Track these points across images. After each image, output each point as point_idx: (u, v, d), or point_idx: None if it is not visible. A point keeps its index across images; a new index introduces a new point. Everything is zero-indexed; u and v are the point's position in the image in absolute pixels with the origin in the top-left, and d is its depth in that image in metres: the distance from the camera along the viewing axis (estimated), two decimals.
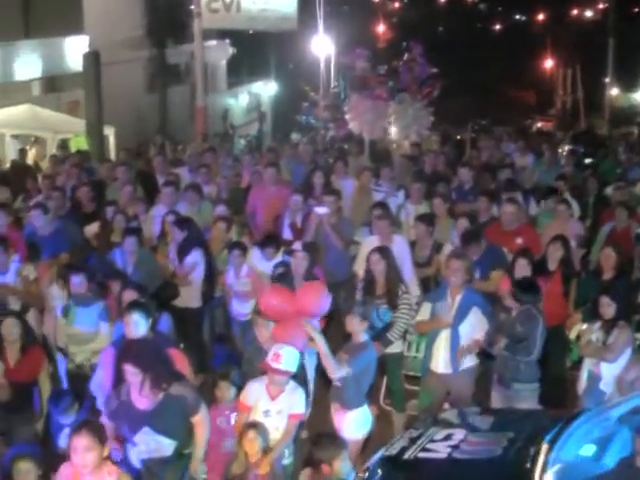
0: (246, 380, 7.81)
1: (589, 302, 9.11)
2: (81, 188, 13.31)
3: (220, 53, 38.67)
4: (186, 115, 32.33)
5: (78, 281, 9.19)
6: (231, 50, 40.37)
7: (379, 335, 8.54)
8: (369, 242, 10.61)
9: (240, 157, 17.55)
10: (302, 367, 7.88)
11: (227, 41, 39.34)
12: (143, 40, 31.20)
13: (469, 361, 8.67)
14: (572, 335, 9.44)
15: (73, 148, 21.06)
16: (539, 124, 43.79)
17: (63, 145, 21.41)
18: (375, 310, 7.96)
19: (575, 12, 65.15)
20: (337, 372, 7.56)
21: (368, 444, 7.91)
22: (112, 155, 21.83)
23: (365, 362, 7.74)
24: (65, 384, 9.29)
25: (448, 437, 6.91)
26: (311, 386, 8.92)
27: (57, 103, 26.13)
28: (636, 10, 56.21)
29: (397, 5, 64.92)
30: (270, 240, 10.84)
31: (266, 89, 44.38)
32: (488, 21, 67.08)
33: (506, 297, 8.78)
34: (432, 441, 6.90)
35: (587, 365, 8.53)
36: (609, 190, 14.27)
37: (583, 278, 10.24)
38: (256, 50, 40.86)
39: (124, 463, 6.84)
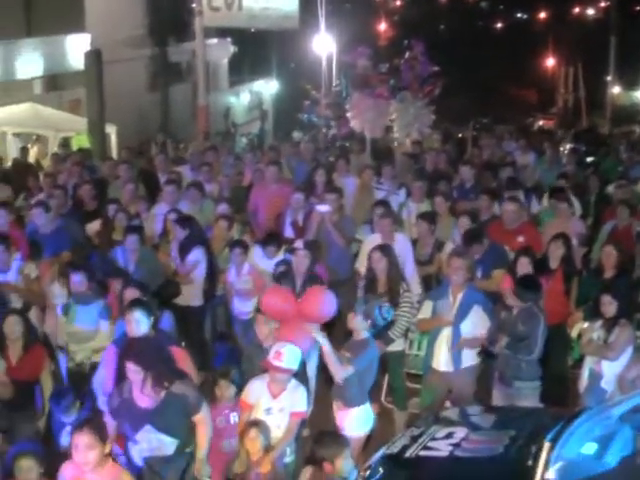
0: (246, 379, 7.82)
1: (590, 300, 9.11)
2: (83, 186, 13.32)
3: (222, 51, 38.67)
4: (188, 113, 32.31)
5: (78, 280, 9.19)
6: (233, 48, 40.36)
7: (381, 333, 8.53)
8: (371, 240, 10.62)
9: (242, 155, 17.53)
10: (303, 365, 7.88)
11: (229, 39, 39.34)
12: (145, 38, 31.21)
13: (470, 359, 8.68)
14: (573, 333, 9.45)
15: (75, 146, 21.07)
16: (540, 122, 43.80)
17: (65, 143, 21.44)
18: (378, 307, 7.94)
19: (577, 10, 65.08)
20: (341, 373, 7.58)
21: (369, 442, 7.92)
22: (114, 153, 21.83)
23: (367, 360, 7.74)
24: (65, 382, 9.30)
25: (449, 435, 6.91)
26: (312, 384, 8.94)
27: (59, 101, 26.15)
28: (638, 8, 56.10)
29: (398, 3, 64.86)
30: (272, 238, 10.85)
31: (268, 87, 44.36)
32: (490, 19, 67.03)
33: (508, 295, 8.78)
34: (433, 439, 6.89)
35: (588, 363, 8.52)
36: (610, 188, 14.27)
37: (584, 276, 10.25)
38: (258, 48, 40.86)
39: (126, 461, 6.85)
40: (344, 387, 7.68)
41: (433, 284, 10.62)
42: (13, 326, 8.33)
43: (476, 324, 8.56)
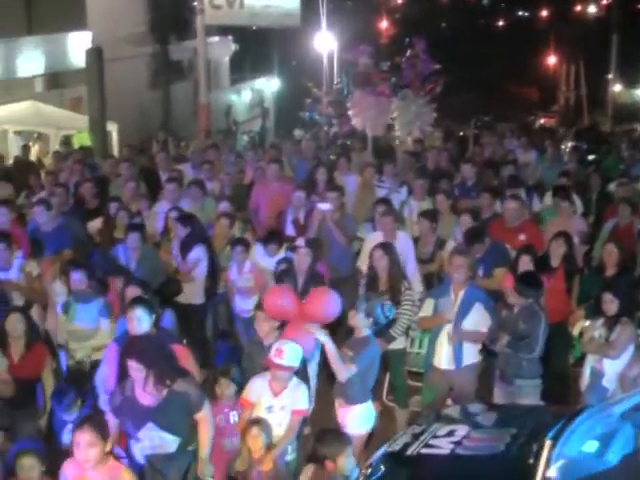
0: (247, 377, 7.82)
1: (592, 298, 9.11)
2: (84, 184, 13.33)
3: (223, 49, 38.65)
4: (189, 111, 32.30)
5: (78, 278, 9.19)
6: (234, 46, 40.32)
7: (382, 331, 8.53)
8: (373, 238, 10.62)
9: (243, 153, 17.53)
10: (304, 363, 7.88)
11: (230, 37, 39.30)
12: (146, 36, 31.18)
13: (472, 357, 8.69)
14: (575, 331, 9.44)
15: (76, 144, 21.06)
16: (542, 120, 43.75)
17: (66, 141, 21.45)
18: (380, 305, 7.94)
19: (578, 8, 65.04)
20: (345, 373, 7.59)
21: (371, 440, 7.92)
22: (115, 151, 21.84)
23: (369, 358, 7.74)
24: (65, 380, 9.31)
25: (451, 433, 6.91)
26: (313, 382, 8.95)
27: (60, 99, 26.15)
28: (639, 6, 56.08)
29: (400, 1, 64.74)
30: (273, 236, 10.85)
31: (269, 85, 44.33)
32: (491, 17, 66.98)
33: (509, 293, 8.77)
34: (435, 437, 6.90)
35: (590, 362, 8.53)
36: (612, 186, 14.27)
37: (586, 274, 10.26)
38: (259, 46, 40.82)
39: (127, 459, 6.85)
40: (346, 385, 7.68)
41: (435, 282, 10.62)
42: (15, 324, 8.32)
43: (477, 322, 8.56)
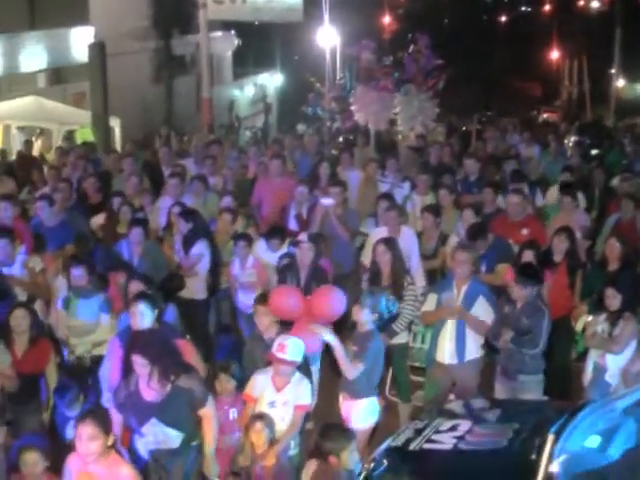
0: (246, 372, 7.83)
1: (595, 293, 9.11)
2: (87, 179, 13.36)
3: (226, 44, 38.61)
4: (192, 106, 32.30)
5: (78, 273, 9.19)
6: (237, 41, 40.29)
7: (385, 326, 8.53)
8: (378, 233, 10.62)
9: (246, 149, 17.53)
10: (306, 358, 7.89)
11: (233, 32, 39.26)
12: (149, 31, 31.15)
13: (474, 352, 8.69)
14: (578, 326, 9.45)
15: (79, 140, 21.09)
16: (545, 115, 43.70)
17: (69, 137, 21.45)
18: (385, 299, 7.95)
19: (581, 3, 64.85)
20: (353, 372, 7.60)
21: (374, 435, 7.92)
22: (118, 146, 21.84)
23: (375, 354, 7.75)
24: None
25: (453, 428, 6.93)
26: (316, 377, 8.95)
27: (63, 95, 26.15)
28: None
29: None
30: (276, 231, 10.85)
31: (272, 80, 44.31)
32: (494, 12, 66.81)
33: (511, 287, 8.75)
34: (437, 432, 6.91)
35: (593, 357, 8.53)
36: (615, 181, 14.24)
37: (589, 269, 10.24)
38: (262, 41, 40.77)
39: (131, 454, 6.85)
40: (353, 380, 7.68)
41: (438, 278, 10.61)
42: (20, 319, 8.31)
43: (481, 315, 8.56)
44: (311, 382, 7.79)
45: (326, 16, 31.69)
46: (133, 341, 7.05)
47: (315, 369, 8.92)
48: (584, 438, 6.21)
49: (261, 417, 7.14)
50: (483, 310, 8.55)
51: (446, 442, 6.70)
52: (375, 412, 7.82)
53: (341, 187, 11.75)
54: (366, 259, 10.44)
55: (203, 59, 25.56)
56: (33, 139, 21.61)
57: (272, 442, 7.10)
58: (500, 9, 66.67)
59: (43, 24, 26.24)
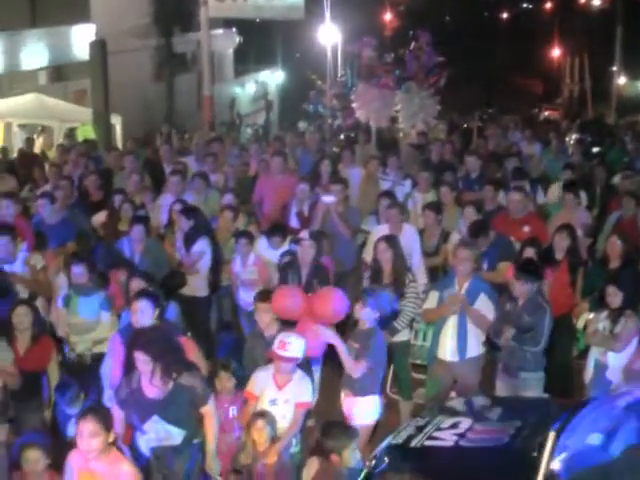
0: (247, 371, 7.83)
1: (596, 291, 9.11)
2: (88, 177, 13.36)
3: (227, 42, 38.59)
4: (193, 104, 32.30)
5: (79, 271, 9.18)
6: (238, 39, 40.27)
7: (386, 324, 8.54)
8: (379, 231, 10.61)
9: (247, 146, 17.52)
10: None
11: (234, 30, 39.25)
12: (150, 29, 31.17)
13: (476, 350, 8.68)
14: (579, 324, 9.45)
15: (80, 137, 21.10)
16: (546, 113, 43.67)
17: (70, 134, 21.47)
18: (387, 295, 7.96)
19: (583, 0, 64.82)
20: (358, 371, 7.61)
21: (375, 432, 7.93)
22: (119, 144, 21.86)
23: (378, 351, 7.76)
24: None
25: (455, 425, 6.92)
26: (317, 374, 8.96)
27: (64, 92, 26.17)
28: None
29: None
30: (277, 229, 10.85)
31: (273, 78, 44.30)
32: (495, 9, 66.74)
33: (512, 284, 8.74)
34: (439, 429, 6.91)
35: (594, 354, 8.53)
36: (616, 179, 14.25)
37: (590, 267, 10.23)
38: (263, 39, 40.79)
39: (132, 452, 6.86)
40: (357, 377, 7.69)
41: (440, 276, 10.60)
42: (22, 317, 8.30)
43: (483, 311, 8.55)
44: (312, 380, 7.80)
45: (327, 13, 31.72)
46: (136, 338, 7.05)
47: (316, 367, 8.92)
48: (585, 435, 6.20)
49: (263, 415, 7.14)
50: (484, 307, 8.54)
51: (447, 439, 6.70)
52: (377, 409, 7.83)
53: (342, 185, 11.75)
54: (367, 257, 10.44)
55: (204, 57, 25.57)
56: (34, 137, 21.65)
57: (273, 440, 7.11)
58: (501, 6, 66.53)
59: (44, 22, 26.25)
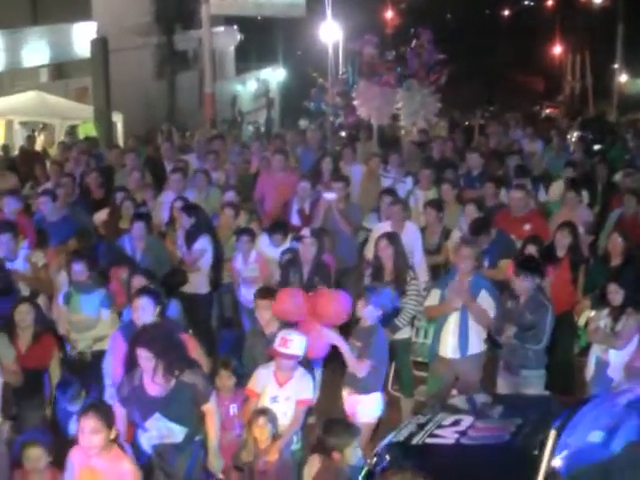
0: (247, 369, 7.82)
1: (597, 289, 9.11)
2: (90, 174, 13.36)
3: (228, 39, 38.63)
4: (194, 101, 32.33)
5: (79, 269, 9.19)
6: (239, 36, 40.32)
7: (387, 321, 8.53)
8: (380, 228, 10.61)
9: (248, 144, 17.53)
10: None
11: (235, 27, 39.29)
12: (151, 26, 31.18)
13: (477, 347, 8.68)
14: (581, 321, 9.45)
15: (81, 135, 21.13)
16: (547, 111, 43.65)
17: (71, 132, 21.48)
18: (390, 292, 7.97)
19: None
20: (363, 371, 7.61)
21: (377, 430, 7.93)
22: (120, 141, 21.88)
23: (379, 349, 7.76)
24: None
25: (456, 423, 6.93)
26: (318, 372, 8.96)
27: (65, 90, 26.19)
28: None
29: None
30: (278, 226, 10.85)
31: (274, 75, 44.33)
32: (497, 7, 66.71)
33: (513, 281, 8.72)
34: (440, 427, 6.92)
35: (595, 351, 8.53)
36: (618, 177, 14.24)
37: (591, 265, 10.24)
38: (264, 36, 40.81)
39: (134, 449, 6.86)
40: (361, 376, 7.70)
41: (441, 274, 10.59)
42: (24, 314, 8.31)
43: (484, 308, 8.55)
44: (313, 377, 7.80)
45: (329, 11, 31.65)
46: (138, 335, 7.03)
47: (317, 364, 8.92)
48: (586, 433, 6.21)
49: (264, 412, 7.14)
50: (486, 304, 8.53)
51: (448, 437, 6.70)
52: (380, 407, 7.83)
53: (344, 182, 11.73)
54: (369, 254, 10.44)
55: (205, 54, 25.55)
56: (36, 134, 21.68)
57: (275, 437, 7.11)
58: (503, 3, 66.50)
59: (45, 19, 26.26)
